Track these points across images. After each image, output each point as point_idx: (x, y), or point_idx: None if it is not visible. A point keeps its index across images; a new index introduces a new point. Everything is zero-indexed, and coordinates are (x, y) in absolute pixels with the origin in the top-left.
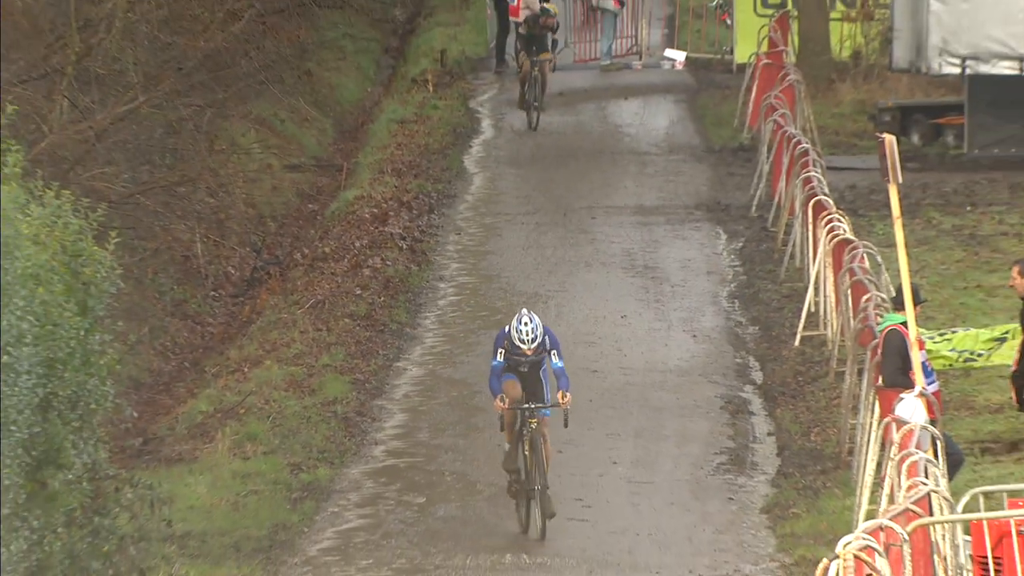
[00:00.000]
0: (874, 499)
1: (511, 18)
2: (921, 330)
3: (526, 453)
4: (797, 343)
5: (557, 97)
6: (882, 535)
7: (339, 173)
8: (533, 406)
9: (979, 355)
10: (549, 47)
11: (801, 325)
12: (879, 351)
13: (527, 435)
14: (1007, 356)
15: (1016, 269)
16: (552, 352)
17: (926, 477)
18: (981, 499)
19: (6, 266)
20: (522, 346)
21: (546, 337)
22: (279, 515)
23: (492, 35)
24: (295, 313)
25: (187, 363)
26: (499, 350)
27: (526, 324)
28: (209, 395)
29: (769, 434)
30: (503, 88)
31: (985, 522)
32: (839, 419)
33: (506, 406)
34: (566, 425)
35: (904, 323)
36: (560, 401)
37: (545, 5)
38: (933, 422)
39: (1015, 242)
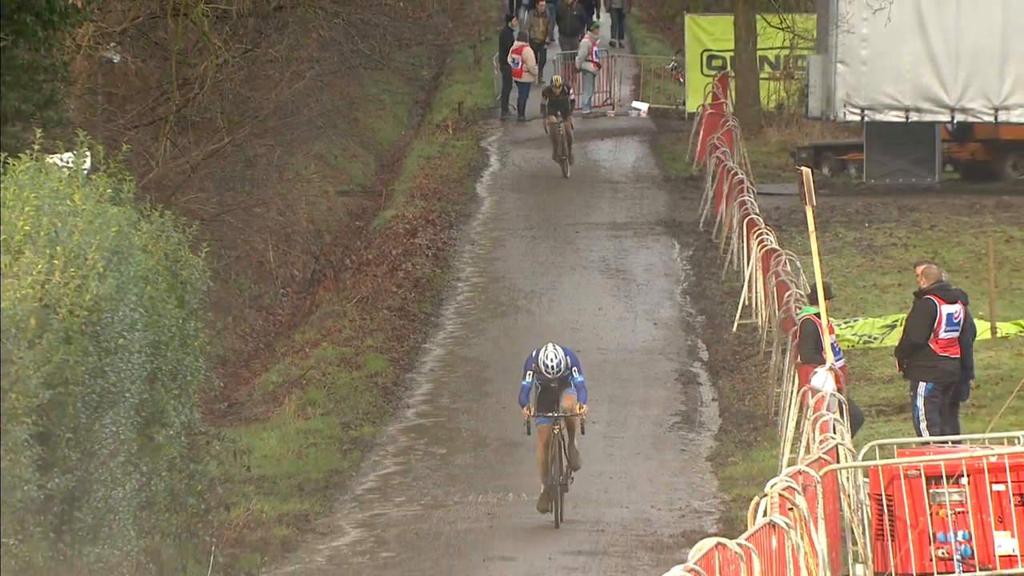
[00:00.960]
0: (794, 450)
1: (514, 78)
2: (831, 319)
3: (558, 452)
4: (735, 329)
5: (548, 138)
6: (800, 478)
7: (379, 197)
8: (559, 415)
9: (875, 338)
10: (569, 109)
11: (738, 315)
12: (797, 335)
13: (555, 439)
14: (896, 339)
15: (920, 268)
16: (573, 368)
17: (834, 433)
18: (876, 450)
19: (122, 269)
20: (548, 375)
21: (568, 358)
22: (333, 462)
23: (498, 90)
24: (345, 306)
25: (262, 345)
26: (528, 372)
27: (552, 359)
28: (279, 369)
29: (713, 400)
30: (507, 132)
31: (880, 468)
32: (767, 388)
33: (531, 414)
34: (583, 431)
35: (817, 314)
36: (577, 411)
37: (554, 78)
38: (839, 390)
39: (903, 251)
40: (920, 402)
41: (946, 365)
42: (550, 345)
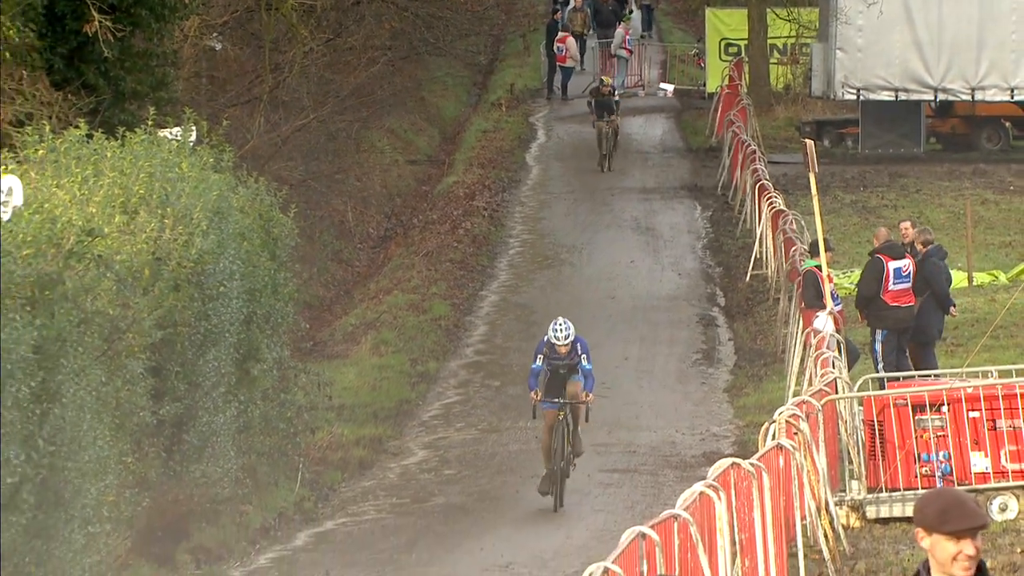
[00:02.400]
0: (799, 383)
1: (558, 63)
2: (830, 270)
3: (563, 438)
4: (748, 279)
5: (587, 115)
6: (804, 407)
7: (442, 166)
8: (564, 401)
9: None
10: (614, 109)
11: (750, 267)
12: (801, 284)
13: (561, 424)
14: None
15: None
16: (583, 356)
17: (833, 368)
18: (870, 382)
19: (222, 227)
20: (557, 343)
21: (578, 343)
22: (402, 393)
23: (544, 74)
24: (413, 259)
25: (342, 292)
26: (539, 355)
27: (561, 327)
28: (356, 313)
29: (729, 339)
30: (552, 109)
31: (872, 398)
32: (775, 329)
33: (538, 398)
34: (587, 420)
35: (818, 266)
36: (583, 399)
37: (603, 78)
38: (838, 331)
39: (892, 211)
40: (878, 346)
41: (898, 313)
42: (560, 318)
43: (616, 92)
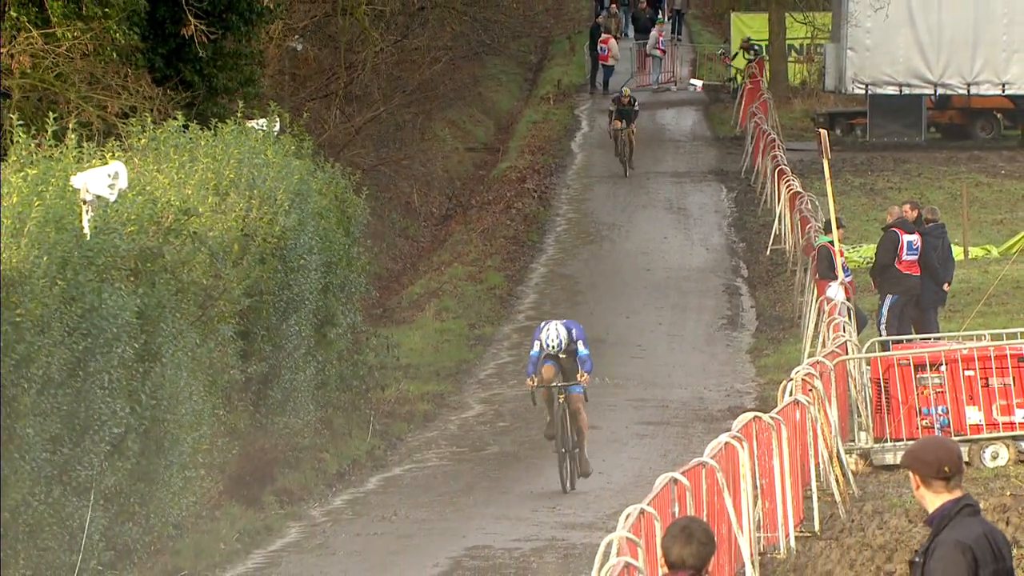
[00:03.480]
0: (814, 345)
1: (601, 62)
2: (841, 245)
3: (561, 423)
4: (768, 253)
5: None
6: (818, 367)
7: (497, 152)
8: (561, 384)
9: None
10: (633, 118)
11: (771, 241)
12: (815, 258)
13: (559, 409)
14: None
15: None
16: (579, 342)
17: (844, 332)
18: (877, 345)
19: (302, 207)
20: (550, 350)
21: (572, 331)
22: (462, 354)
23: (588, 71)
24: (471, 235)
25: (408, 265)
26: (536, 342)
27: (553, 339)
28: (421, 283)
29: (751, 307)
30: (594, 103)
31: (879, 359)
32: (793, 298)
33: (535, 385)
34: (586, 399)
35: (831, 241)
36: (579, 379)
37: (623, 88)
38: (848, 300)
39: (896, 193)
40: (885, 309)
41: (909, 281)
42: (553, 323)
43: (636, 103)
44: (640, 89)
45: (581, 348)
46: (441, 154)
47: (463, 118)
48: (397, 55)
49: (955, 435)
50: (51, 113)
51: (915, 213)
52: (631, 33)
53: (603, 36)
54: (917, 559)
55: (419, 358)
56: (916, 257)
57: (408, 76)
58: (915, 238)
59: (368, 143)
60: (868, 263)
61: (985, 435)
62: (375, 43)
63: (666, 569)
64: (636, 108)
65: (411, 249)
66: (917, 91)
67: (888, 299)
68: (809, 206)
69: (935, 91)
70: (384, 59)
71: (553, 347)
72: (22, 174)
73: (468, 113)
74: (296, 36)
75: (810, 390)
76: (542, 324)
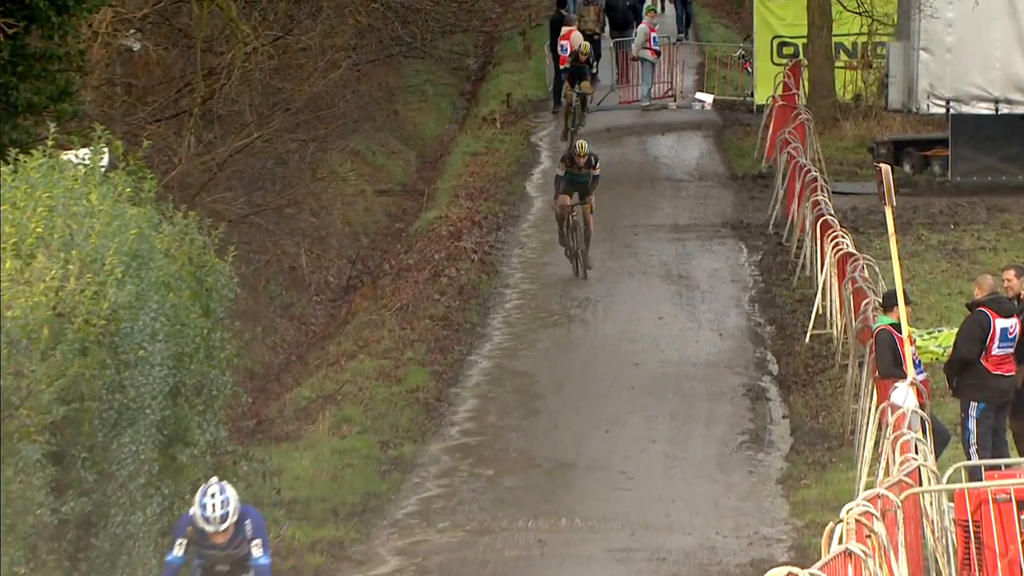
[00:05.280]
0: (872, 472)
1: (562, 67)
2: (912, 329)
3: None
4: (807, 340)
5: (604, 133)
6: (879, 502)
7: (421, 197)
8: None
9: None
10: (590, 189)
11: (811, 325)
12: (874, 347)
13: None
14: None
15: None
16: (254, 542)
17: (916, 453)
18: (963, 471)
19: (142, 275)
20: (209, 527)
21: (246, 522)
22: (370, 485)
23: (550, 80)
24: (384, 315)
25: (293, 357)
26: (179, 541)
27: (214, 499)
28: (312, 384)
29: (784, 417)
30: (559, 126)
31: (966, 491)
32: (843, 404)
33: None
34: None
35: (894, 324)
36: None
37: (579, 143)
38: (921, 407)
39: (991, 255)
40: (972, 424)
41: (1000, 383)
42: (214, 483)
43: (596, 163)
44: (625, 108)
45: (258, 552)
46: (341, 199)
47: (372, 148)
48: (277, 58)
49: None
50: None
51: (1018, 284)
52: (606, 29)
53: (564, 30)
54: None
55: (309, 490)
56: (1011, 349)
57: (293, 88)
58: (1012, 323)
59: (237, 183)
60: (947, 355)
61: None
62: (246, 40)
63: None
64: (596, 171)
65: (298, 334)
66: (1021, 110)
67: (973, 407)
68: (865, 274)
69: None
70: (259, 63)
71: (213, 518)
72: None
73: (379, 141)
74: (132, 30)
75: (868, 536)
76: (188, 512)
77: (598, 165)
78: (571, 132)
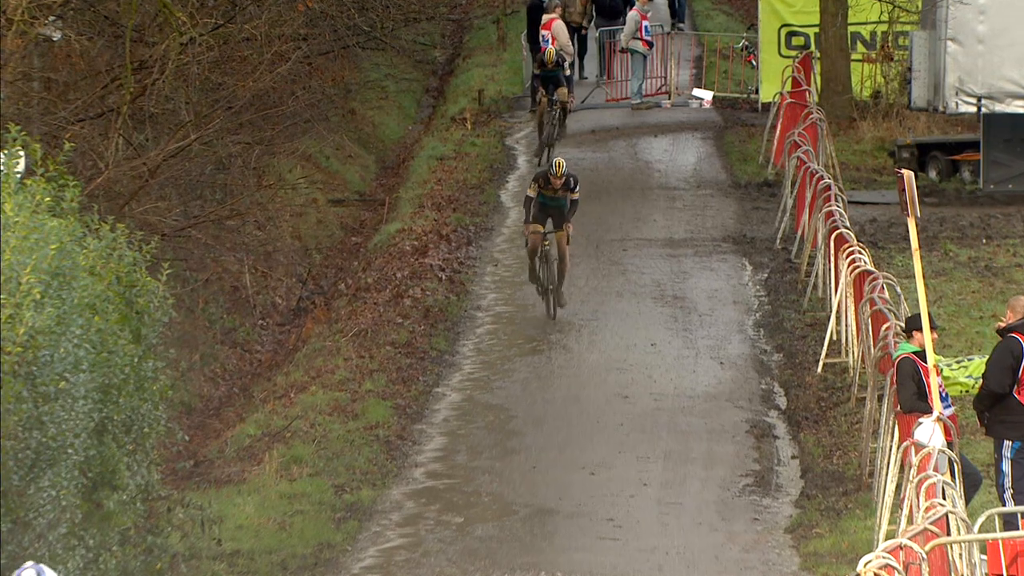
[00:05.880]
0: (894, 520)
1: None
2: (938, 357)
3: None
4: (820, 370)
5: (589, 135)
6: (901, 554)
7: (381, 207)
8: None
9: None
10: (567, 212)
11: (824, 353)
12: (896, 378)
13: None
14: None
15: (1012, 300)
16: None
17: (944, 498)
18: (997, 519)
19: (63, 296)
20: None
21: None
22: (324, 534)
23: (528, 76)
24: (339, 341)
25: (236, 389)
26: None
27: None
28: (257, 419)
29: (793, 457)
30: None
31: (1001, 542)
32: (860, 443)
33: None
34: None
35: (918, 351)
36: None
37: (556, 160)
38: (950, 445)
39: None
40: (1006, 465)
41: None
42: (30, 567)
43: (575, 185)
44: (612, 107)
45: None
46: (290, 210)
47: (325, 152)
48: (218, 50)
49: None
50: None
51: None
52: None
53: (545, 18)
54: None
55: (254, 541)
56: None
57: (236, 84)
58: None
59: (171, 191)
60: (978, 387)
61: None
62: (182, 30)
63: None
64: (575, 195)
65: (241, 363)
66: None
67: (1007, 447)
68: (886, 295)
69: None
70: (197, 56)
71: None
72: None
73: (334, 143)
74: (52, 18)
75: None
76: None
77: (578, 188)
78: (547, 148)
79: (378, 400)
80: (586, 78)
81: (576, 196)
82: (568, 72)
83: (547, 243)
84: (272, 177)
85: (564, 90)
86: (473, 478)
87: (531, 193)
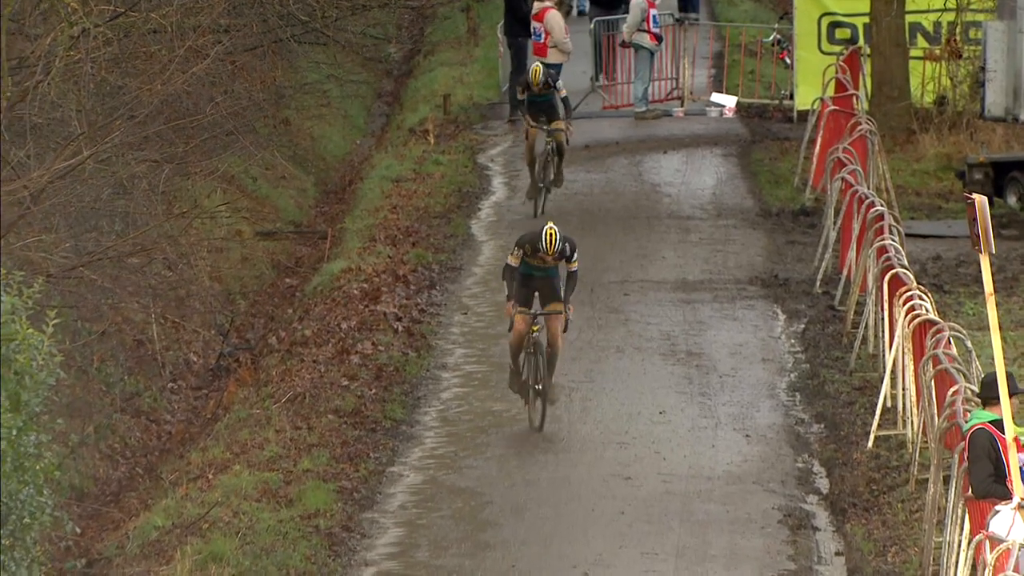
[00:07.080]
0: None
1: (540, 58)
2: (1019, 429)
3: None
4: (871, 445)
5: (581, 151)
6: None
7: (322, 241)
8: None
9: None
10: (571, 279)
11: (875, 423)
12: (967, 454)
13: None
14: None
15: None
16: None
17: None
18: None
19: None
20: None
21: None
22: None
23: (505, 77)
24: (269, 409)
25: (140, 469)
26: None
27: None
28: (166, 507)
29: (837, 554)
30: (517, 140)
31: None
32: (921, 536)
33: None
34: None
35: (994, 421)
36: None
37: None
38: None
39: None
40: None
41: None
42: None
43: (574, 255)
44: (611, 116)
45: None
46: (208, 244)
47: (252, 172)
48: (117, 45)
49: None
50: None
51: None
52: (586, 6)
53: (536, 7)
54: None
55: None
56: None
57: (140, 87)
58: None
59: (60, 222)
60: None
61: None
62: (72, 20)
63: None
64: (572, 266)
65: (146, 437)
66: None
67: None
68: (953, 350)
69: None
70: (91, 52)
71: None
72: None
73: (263, 162)
74: None
75: None
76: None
77: (576, 257)
78: (544, 191)
79: (318, 482)
80: (578, 100)
81: (574, 267)
82: (563, 92)
83: (537, 328)
84: (186, 204)
85: (561, 123)
86: None
87: (512, 262)
